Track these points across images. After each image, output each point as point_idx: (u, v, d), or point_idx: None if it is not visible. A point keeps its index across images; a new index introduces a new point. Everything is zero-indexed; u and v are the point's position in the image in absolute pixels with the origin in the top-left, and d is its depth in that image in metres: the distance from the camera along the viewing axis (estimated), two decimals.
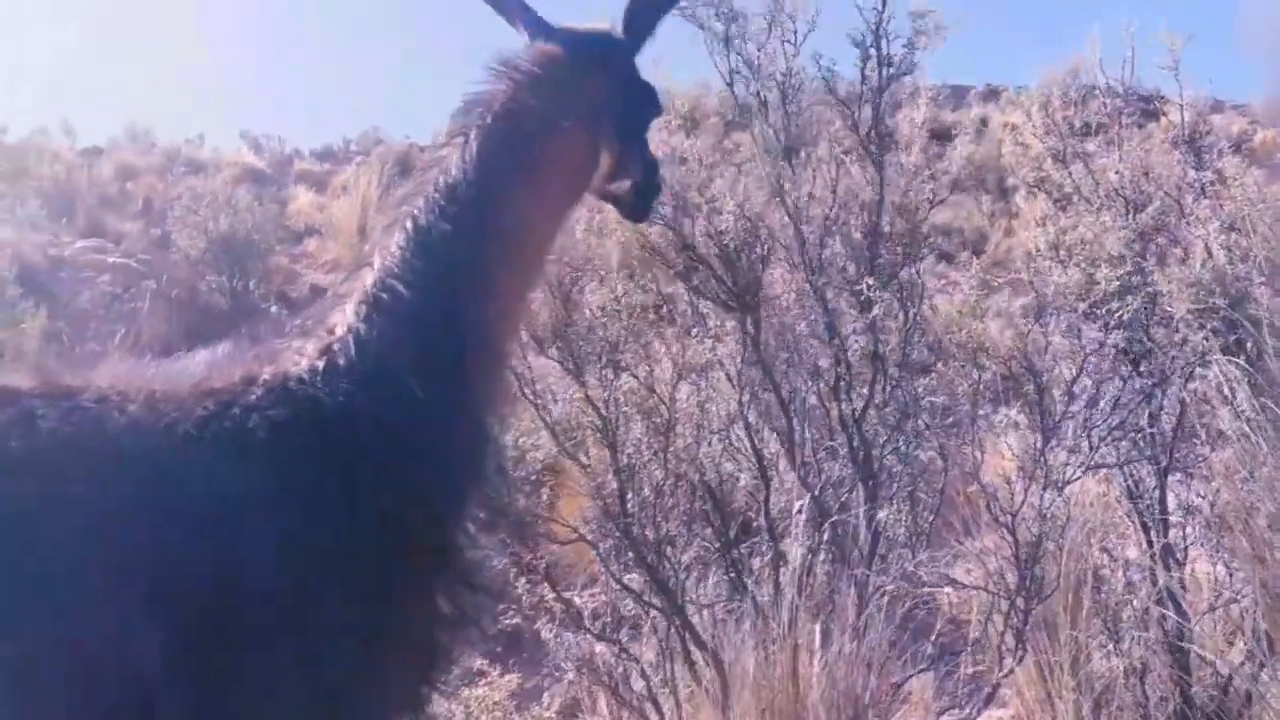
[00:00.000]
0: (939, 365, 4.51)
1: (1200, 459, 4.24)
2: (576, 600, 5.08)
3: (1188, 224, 4.42)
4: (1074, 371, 3.95)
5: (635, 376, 4.28)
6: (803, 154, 4.74)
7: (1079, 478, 3.97)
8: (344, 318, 2.13)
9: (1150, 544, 4.23)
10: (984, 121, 14.19)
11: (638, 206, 2.51)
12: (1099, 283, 3.95)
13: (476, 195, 2.14)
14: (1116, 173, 4.59)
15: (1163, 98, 5.78)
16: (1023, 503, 3.80)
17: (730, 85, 4.85)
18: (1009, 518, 3.82)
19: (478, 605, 2.06)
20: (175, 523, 1.86)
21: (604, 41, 2.37)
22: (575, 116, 2.26)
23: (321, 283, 10.92)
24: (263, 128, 20.36)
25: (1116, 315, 3.90)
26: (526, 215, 2.22)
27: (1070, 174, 4.75)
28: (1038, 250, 4.61)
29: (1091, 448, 3.94)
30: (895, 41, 4.53)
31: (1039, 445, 3.91)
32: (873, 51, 4.54)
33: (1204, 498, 4.14)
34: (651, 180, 2.46)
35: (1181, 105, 4.63)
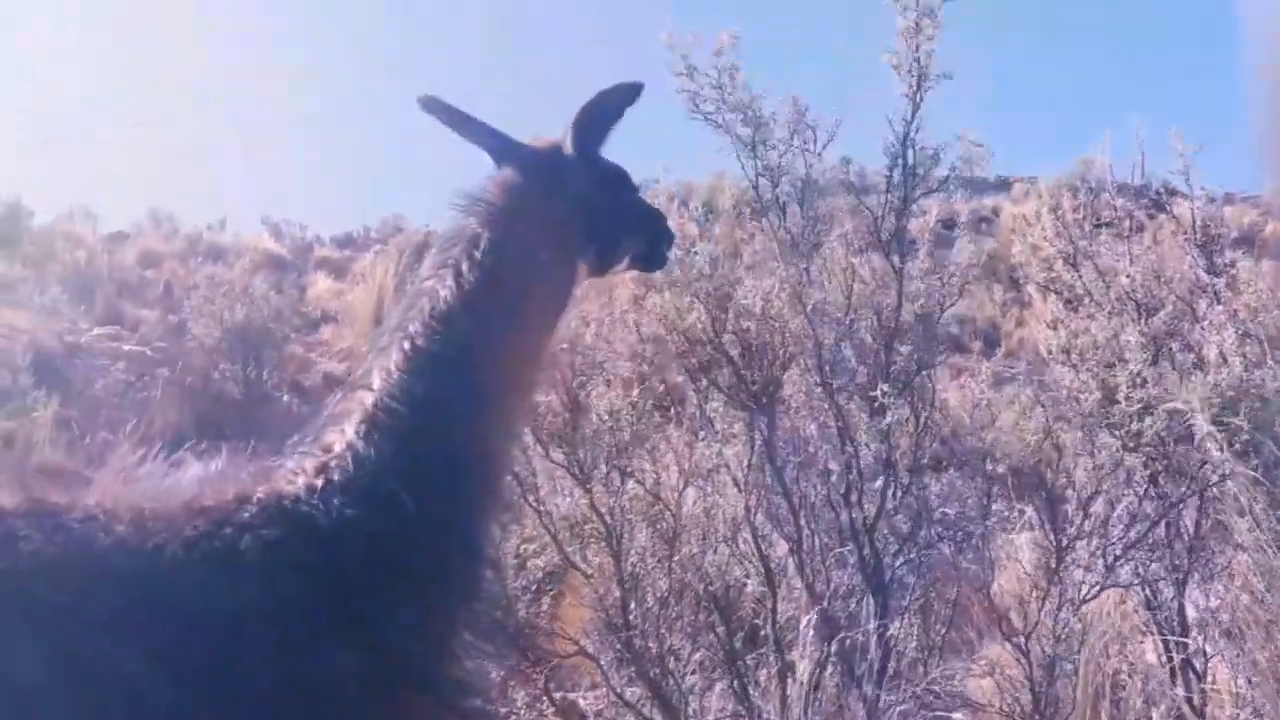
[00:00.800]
0: (949, 469, 4.45)
1: (1220, 567, 4.15)
2: (581, 702, 4.96)
3: (1201, 329, 4.37)
4: (1090, 485, 3.87)
5: (641, 483, 4.22)
6: (819, 254, 4.74)
7: (1093, 597, 3.87)
8: (342, 437, 2.12)
9: (1170, 656, 4.11)
10: (995, 212, 14.27)
11: (649, 265, 2.75)
12: (1118, 401, 3.89)
13: (467, 323, 2.19)
14: (1128, 276, 4.56)
15: (1174, 192, 5.76)
16: (1036, 624, 3.71)
17: (755, 188, 4.89)
18: (1022, 639, 3.72)
19: None
20: (161, 644, 1.82)
21: (555, 160, 2.44)
22: (543, 240, 2.33)
23: (335, 371, 10.95)
24: (284, 213, 20.53)
25: (1137, 434, 3.83)
26: (515, 335, 2.29)
27: (1080, 276, 4.72)
28: (1050, 353, 4.58)
29: (1108, 567, 3.84)
30: (922, 152, 4.56)
31: (1053, 564, 3.81)
32: (899, 161, 4.57)
33: (1222, 600, 4.05)
34: (653, 243, 2.64)
35: (1193, 209, 4.60)
